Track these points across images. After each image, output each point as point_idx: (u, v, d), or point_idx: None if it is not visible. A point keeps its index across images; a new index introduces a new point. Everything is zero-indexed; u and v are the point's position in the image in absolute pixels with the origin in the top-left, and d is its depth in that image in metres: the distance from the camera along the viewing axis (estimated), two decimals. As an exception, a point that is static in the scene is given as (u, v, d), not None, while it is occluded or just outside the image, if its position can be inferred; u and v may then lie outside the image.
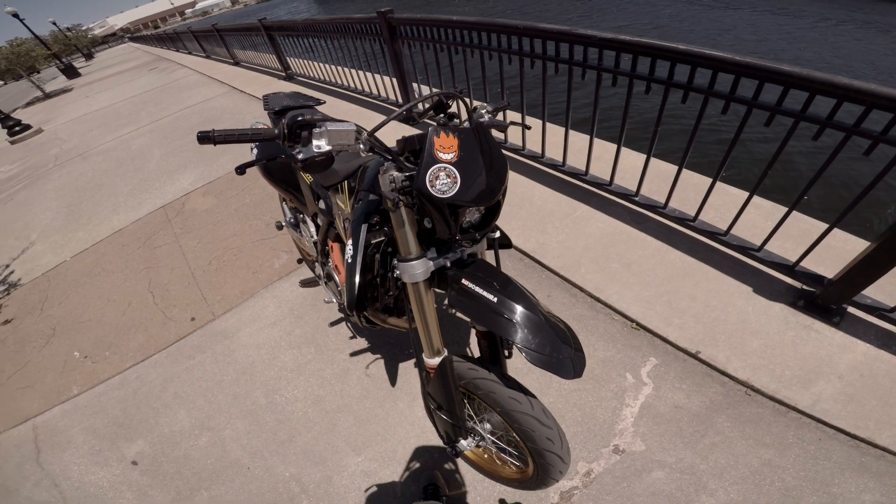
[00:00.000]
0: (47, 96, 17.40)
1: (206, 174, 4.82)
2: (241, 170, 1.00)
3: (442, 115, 1.32)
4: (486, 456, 1.69)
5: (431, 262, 1.21)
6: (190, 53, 13.71)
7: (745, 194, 2.10)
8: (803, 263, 2.01)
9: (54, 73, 29.76)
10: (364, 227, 1.35)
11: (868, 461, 1.60)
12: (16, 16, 21.59)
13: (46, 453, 2.36)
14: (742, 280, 2.16)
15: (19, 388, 2.82)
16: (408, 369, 2.25)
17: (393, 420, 2.08)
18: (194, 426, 2.29)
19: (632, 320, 2.16)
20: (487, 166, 1.06)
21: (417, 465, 1.91)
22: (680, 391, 1.90)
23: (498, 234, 1.42)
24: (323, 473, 1.96)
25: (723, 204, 2.45)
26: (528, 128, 1.61)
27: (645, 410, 1.87)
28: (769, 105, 1.75)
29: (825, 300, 1.94)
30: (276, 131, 1.00)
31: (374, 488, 1.87)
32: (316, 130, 0.98)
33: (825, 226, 1.92)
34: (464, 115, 1.35)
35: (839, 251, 2.07)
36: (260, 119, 2.41)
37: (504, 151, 3.31)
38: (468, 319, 1.25)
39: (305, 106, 2.10)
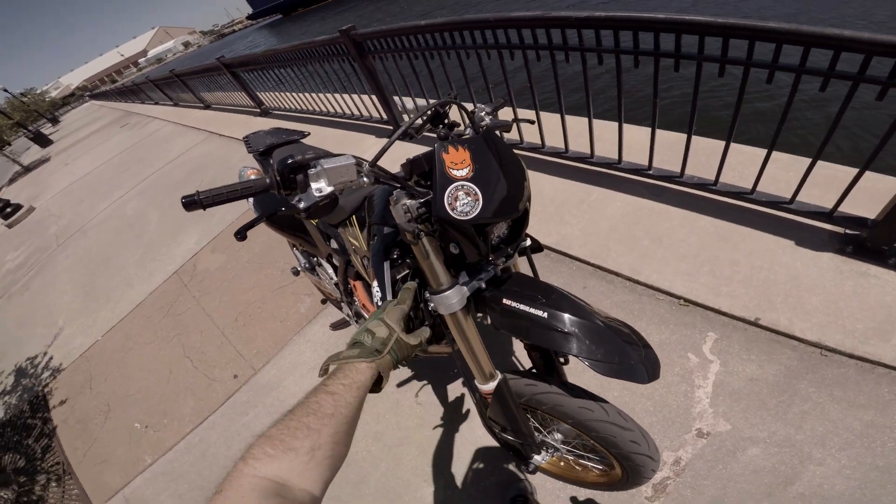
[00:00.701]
0: (27, 169, 17.20)
1: (208, 230, 4.78)
2: (241, 235, 0.87)
3: (442, 126, 1.20)
4: (562, 464, 1.65)
5: (465, 288, 1.12)
6: (157, 104, 13.51)
7: (759, 151, 2.06)
8: (841, 208, 1.94)
9: (26, 144, 29.48)
10: (386, 265, 1.28)
11: None
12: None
13: None
14: (781, 235, 2.10)
15: (97, 463, 2.88)
16: (457, 389, 2.22)
17: (455, 444, 2.05)
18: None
19: (678, 297, 2.11)
20: (506, 174, 0.97)
21: (491, 484, 1.87)
22: (750, 362, 1.83)
23: (529, 242, 1.32)
24: (402, 509, 1.94)
25: (739, 164, 2.37)
26: (532, 122, 1.52)
27: (719, 389, 1.81)
28: (766, 63, 1.70)
29: (874, 242, 1.87)
30: (269, 181, 0.85)
31: None
32: (312, 171, 0.84)
33: (852, 171, 1.84)
34: (465, 122, 1.26)
35: (875, 192, 1.97)
36: (246, 162, 2.37)
37: None
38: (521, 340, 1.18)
39: (290, 141, 2.02)
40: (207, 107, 9.43)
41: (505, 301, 1.09)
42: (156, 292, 4.31)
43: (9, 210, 9.91)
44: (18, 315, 5.48)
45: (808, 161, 1.92)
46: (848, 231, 1.98)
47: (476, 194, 0.92)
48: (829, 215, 1.98)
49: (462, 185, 0.91)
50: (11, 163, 19.17)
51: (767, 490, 1.55)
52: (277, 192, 0.86)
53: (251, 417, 2.63)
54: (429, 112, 1.17)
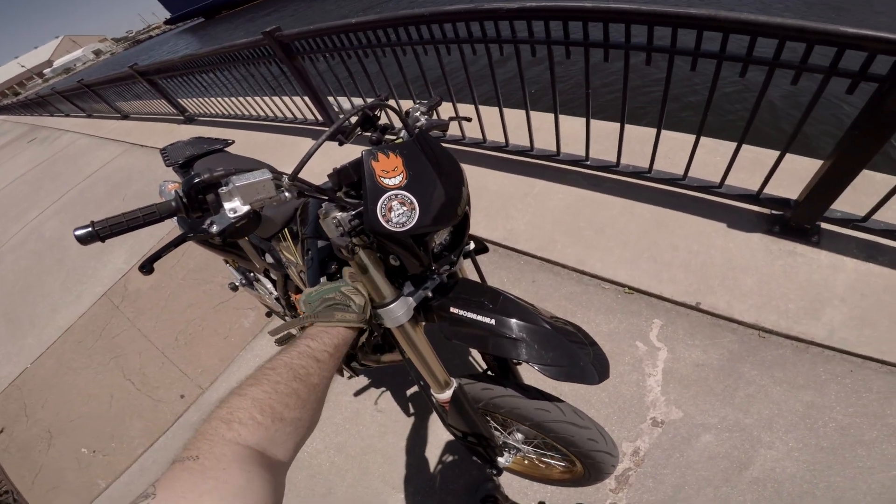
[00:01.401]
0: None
1: (137, 248, 4.48)
2: (146, 268, 0.79)
3: (373, 131, 1.17)
4: (527, 463, 1.66)
5: (411, 299, 1.08)
6: (68, 115, 12.48)
7: (689, 138, 2.15)
8: (766, 190, 2.05)
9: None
10: (323, 280, 1.22)
11: None
12: None
13: None
14: (714, 218, 2.21)
15: (48, 490, 2.68)
16: (417, 395, 2.20)
17: (420, 449, 2.03)
18: (229, 498, 2.18)
19: (622, 285, 2.18)
20: (442, 179, 0.93)
21: (461, 486, 1.87)
22: (695, 348, 1.90)
23: (472, 245, 1.30)
24: (374, 519, 1.90)
25: (670, 150, 2.48)
26: (469, 120, 1.50)
27: (668, 376, 1.86)
28: (689, 50, 1.76)
29: (798, 221, 2.00)
30: (174, 204, 0.75)
31: None
32: (223, 191, 0.74)
33: (774, 154, 1.96)
34: (398, 124, 1.19)
35: (797, 173, 2.10)
36: (168, 175, 2.24)
37: (445, 145, 3.22)
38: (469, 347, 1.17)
39: (212, 151, 1.91)
40: (125, 116, 8.82)
41: (453, 309, 1.08)
42: (85, 316, 4.00)
43: None
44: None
45: (734, 145, 2.01)
46: (773, 212, 2.11)
47: (411, 203, 0.87)
48: (755, 197, 2.10)
49: (396, 195, 0.86)
50: None
51: (724, 476, 1.61)
52: (186, 216, 0.77)
53: (206, 436, 2.49)
54: (356, 116, 1.09)
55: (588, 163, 2.57)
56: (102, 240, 0.72)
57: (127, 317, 3.68)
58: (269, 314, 2.81)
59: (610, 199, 2.49)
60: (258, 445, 0.55)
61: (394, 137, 1.16)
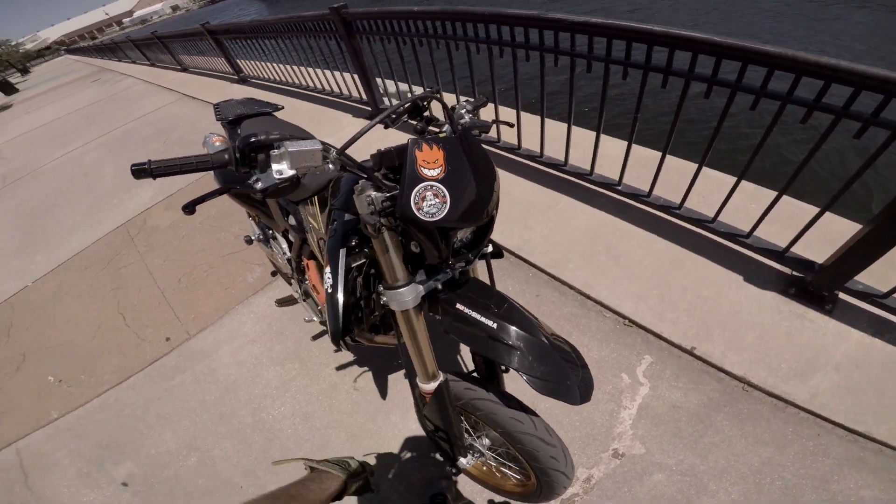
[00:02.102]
0: (-15, 114, 16.45)
1: (166, 187, 4.58)
2: (189, 209, 0.84)
3: (419, 120, 1.21)
4: (485, 469, 1.64)
5: (421, 287, 1.11)
6: (133, 63, 13.09)
7: (732, 179, 2.07)
8: (795, 249, 1.98)
9: (-11, 91, 28.25)
10: (342, 252, 1.23)
11: (867, 456, 1.59)
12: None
13: (34, 477, 2.27)
14: (732, 268, 2.14)
15: None
16: (397, 380, 2.17)
17: (386, 434, 2.01)
18: (182, 447, 2.20)
19: (624, 317, 2.12)
20: (477, 179, 0.95)
21: (417, 479, 1.84)
22: (677, 390, 1.87)
23: (490, 249, 1.33)
24: (318, 490, 1.88)
25: (708, 189, 2.41)
26: (511, 125, 1.52)
27: (643, 412, 1.84)
28: (753, 88, 1.68)
29: (816, 287, 1.92)
30: (227, 157, 0.82)
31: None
32: (275, 153, 0.80)
33: (815, 209, 1.88)
34: (442, 117, 1.24)
35: (830, 235, 2.00)
36: (214, 128, 2.28)
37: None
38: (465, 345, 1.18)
39: (261, 113, 1.95)
40: (185, 69, 9.17)
41: (458, 306, 1.09)
42: (99, 242, 4.10)
43: (-42, 150, 9.40)
44: (-58, 253, 5.12)
45: (773, 194, 1.94)
46: (794, 273, 2.03)
47: (444, 196, 0.89)
48: (780, 255, 2.02)
49: (431, 186, 0.89)
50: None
51: None
52: (235, 170, 0.83)
53: (176, 383, 2.51)
54: (407, 104, 1.13)
55: (619, 188, 2.52)
56: (154, 177, 0.77)
57: (138, 250, 3.76)
58: (274, 274, 2.83)
59: (632, 230, 2.43)
60: None
61: (437, 130, 1.18)
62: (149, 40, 9.63)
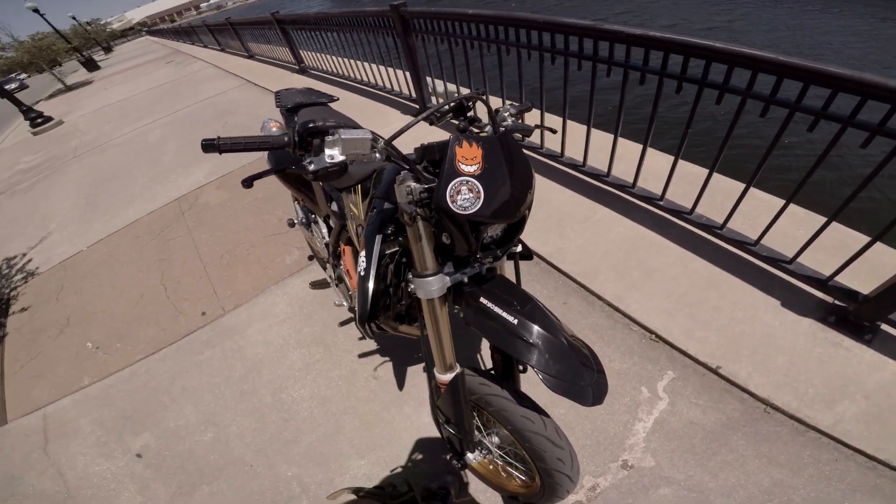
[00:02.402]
0: (68, 89, 17.66)
1: (220, 167, 4.81)
2: (248, 183, 0.93)
3: (462, 119, 1.25)
4: (491, 468, 1.65)
5: (448, 278, 1.16)
6: (205, 47, 13.76)
7: (780, 202, 1.99)
8: (838, 278, 1.89)
9: (75, 67, 30.29)
10: (378, 239, 1.29)
11: (883, 483, 1.52)
12: (36, 11, 21.78)
13: (54, 443, 2.38)
14: (770, 293, 2.05)
15: (32, 377, 2.85)
16: (416, 373, 2.19)
17: (398, 425, 2.03)
18: (200, 422, 2.28)
19: (651, 331, 2.08)
20: (513, 179, 0.98)
21: (421, 474, 1.86)
22: (696, 407, 1.82)
23: (519, 248, 1.35)
24: (325, 475, 1.94)
25: (754, 211, 2.32)
26: (554, 131, 1.53)
27: (658, 426, 1.80)
28: (814, 109, 1.62)
29: (858, 317, 1.83)
30: (286, 139, 0.91)
31: None
32: (329, 139, 0.89)
33: (865, 238, 1.80)
34: (485, 118, 1.27)
35: (878, 266, 1.92)
36: (272, 115, 2.37)
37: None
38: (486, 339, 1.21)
39: (318, 103, 2.05)
40: (251, 56, 9.57)
41: (482, 300, 1.12)
42: (153, 214, 4.35)
43: (39, 120, 10.25)
44: (13, 213, 5.59)
45: (822, 220, 1.85)
46: (837, 302, 1.93)
47: (479, 192, 0.93)
48: (823, 283, 1.93)
49: (467, 181, 0.93)
50: (56, 81, 19.71)
51: None
52: (292, 151, 0.93)
53: (205, 357, 2.62)
54: (452, 103, 1.19)
55: (661, 202, 2.47)
56: (221, 152, 0.87)
57: (187, 224, 3.96)
58: (311, 258, 2.92)
59: (670, 246, 2.37)
60: None
61: (478, 130, 1.23)
62: (222, 26, 10.08)
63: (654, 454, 1.72)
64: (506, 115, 1.25)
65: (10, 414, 2.61)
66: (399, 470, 1.84)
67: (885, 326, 1.83)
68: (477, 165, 0.94)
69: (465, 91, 1.23)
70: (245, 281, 3.08)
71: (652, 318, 2.10)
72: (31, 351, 3.07)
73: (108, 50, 39.03)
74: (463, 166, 0.93)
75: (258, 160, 4.53)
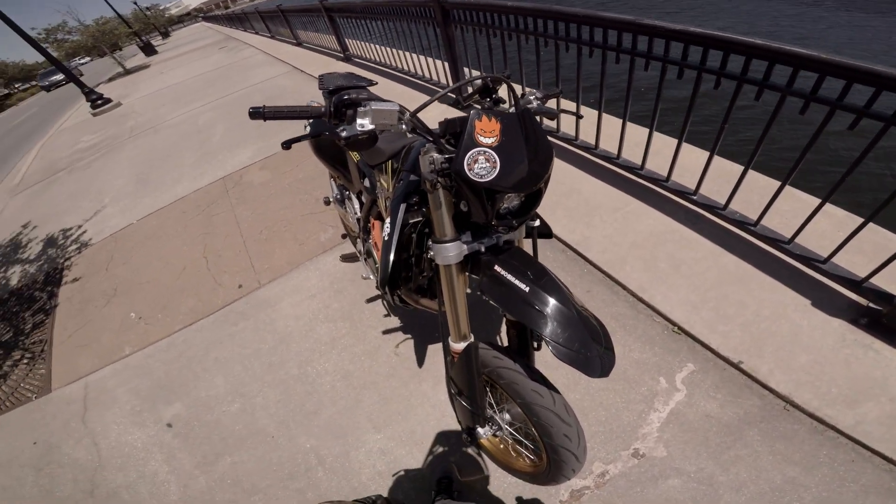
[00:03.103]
0: (127, 72, 18.45)
1: (265, 150, 4.99)
2: (287, 144, 1.02)
3: (488, 100, 1.30)
4: (501, 446, 1.67)
5: (465, 246, 1.20)
6: (257, 33, 14.15)
7: (816, 201, 1.94)
8: (873, 280, 1.82)
9: (134, 51, 31.63)
10: (402, 207, 1.35)
11: None
12: (101, -4, 22.77)
13: (92, 412, 2.52)
14: (800, 292, 2.00)
15: (78, 346, 3.03)
16: (436, 352, 2.25)
17: (415, 401, 2.09)
18: (229, 392, 2.38)
19: (674, 323, 2.06)
20: (530, 153, 1.02)
21: (433, 449, 1.92)
22: (714, 400, 1.81)
23: (537, 223, 1.38)
24: (342, 448, 2.01)
25: (790, 210, 2.25)
26: (581, 116, 1.56)
27: (673, 417, 1.80)
28: (856, 106, 1.58)
29: (892, 320, 1.77)
30: (323, 109, 1.03)
31: (388, 469, 1.90)
32: (360, 109, 0.98)
33: (899, 240, 1.74)
34: (511, 101, 1.32)
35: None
36: (316, 98, 2.47)
37: (555, 140, 3.31)
38: (497, 307, 1.24)
39: (357, 86, 2.13)
40: (299, 44, 9.78)
41: (496, 268, 1.16)
42: (200, 191, 4.56)
43: (99, 102, 10.75)
44: (72, 188, 5.94)
45: (860, 221, 1.80)
46: (871, 304, 1.86)
47: (495, 162, 0.99)
48: (857, 284, 1.87)
49: (484, 151, 0.98)
50: (116, 65, 20.62)
51: None
52: (328, 120, 1.05)
53: (238, 329, 2.74)
54: (479, 83, 1.26)
55: (694, 197, 2.43)
56: (265, 118, 0.98)
57: (231, 201, 4.13)
58: (344, 236, 3.01)
59: (700, 240, 2.34)
60: None
61: (502, 109, 1.28)
62: (273, 13, 10.34)
63: (666, 445, 1.72)
64: (531, 98, 1.28)
65: (56, 383, 2.78)
66: (402, 473, 1.88)
67: (921, 333, 1.75)
68: (495, 138, 0.99)
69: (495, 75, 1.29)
70: (281, 256, 3.21)
71: (676, 311, 2.08)
72: (79, 320, 3.26)
73: (165, 35, 40.47)
74: (481, 138, 0.99)
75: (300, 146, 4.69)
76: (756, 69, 1.84)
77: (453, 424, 1.96)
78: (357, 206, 2.24)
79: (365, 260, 2.24)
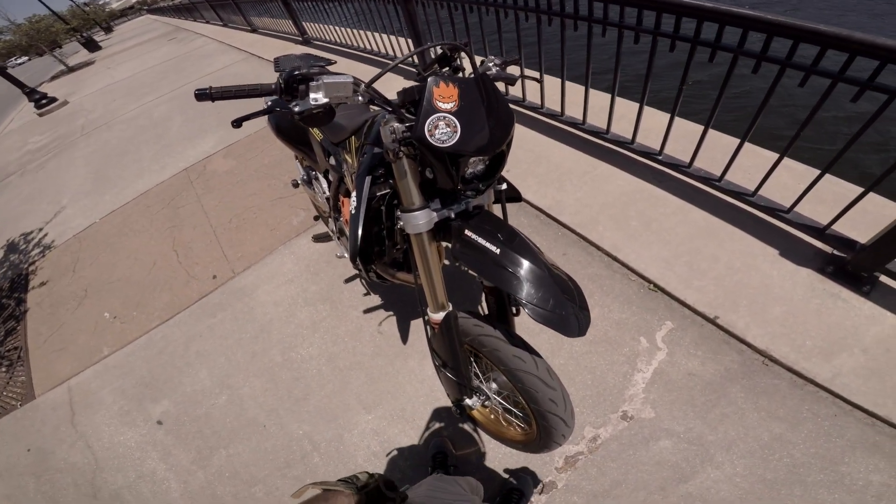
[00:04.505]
0: (71, 70, 17.53)
1: (227, 138, 4.84)
2: (237, 123, 0.97)
3: (447, 69, 1.30)
4: (492, 416, 1.68)
5: (435, 213, 1.19)
6: (208, 23, 13.60)
7: (775, 155, 2.00)
8: (835, 227, 1.91)
9: (76, 48, 30.21)
10: (368, 180, 1.34)
11: (882, 441, 1.54)
12: (32, -7, 21.57)
13: (80, 415, 2.46)
14: (768, 242, 2.07)
15: (55, 350, 2.92)
16: (419, 327, 2.25)
17: (403, 378, 2.10)
18: (215, 385, 2.35)
19: (649, 281, 2.11)
20: (490, 117, 1.04)
21: (426, 425, 1.93)
22: (695, 358, 1.85)
23: (504, 186, 1.39)
24: (334, 432, 2.01)
25: (753, 166, 2.32)
26: (538, 80, 1.56)
27: (657, 377, 1.84)
28: (804, 65, 1.64)
29: (856, 267, 1.85)
30: (274, 86, 0.99)
31: (382, 449, 1.91)
32: (313, 84, 0.96)
33: (859, 189, 1.81)
34: (470, 69, 1.31)
35: (875, 216, 1.93)
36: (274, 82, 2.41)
37: (521, 109, 3.32)
38: (472, 273, 1.25)
39: (316, 66, 2.08)
40: (254, 30, 9.47)
41: (467, 232, 1.15)
42: (163, 184, 4.40)
43: (43, 102, 10.20)
44: (27, 191, 5.67)
45: (817, 172, 1.88)
46: (835, 252, 1.95)
47: (455, 126, 0.99)
48: (820, 232, 1.95)
49: (444, 117, 0.98)
50: (58, 63, 19.68)
51: (661, 484, 1.60)
52: (280, 96, 0.99)
53: (217, 320, 2.69)
54: (436, 52, 1.27)
55: (660, 157, 2.49)
56: (213, 100, 0.95)
57: (196, 192, 4.01)
58: (316, 218, 2.98)
59: (669, 198, 2.39)
60: None
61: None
62: (224, 1, 9.97)
63: (653, 405, 1.77)
64: (490, 65, 1.30)
65: (38, 389, 2.69)
66: (395, 452, 1.89)
67: (883, 278, 1.84)
68: (454, 103, 0.99)
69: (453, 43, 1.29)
70: (253, 242, 3.15)
71: (650, 268, 2.13)
72: (53, 324, 3.15)
73: (108, 30, 38.62)
74: (440, 103, 0.98)
75: (262, 130, 4.58)
76: (710, 32, 1.87)
77: (443, 399, 1.98)
78: (325, 185, 2.21)
79: (338, 239, 2.22)
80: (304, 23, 6.85)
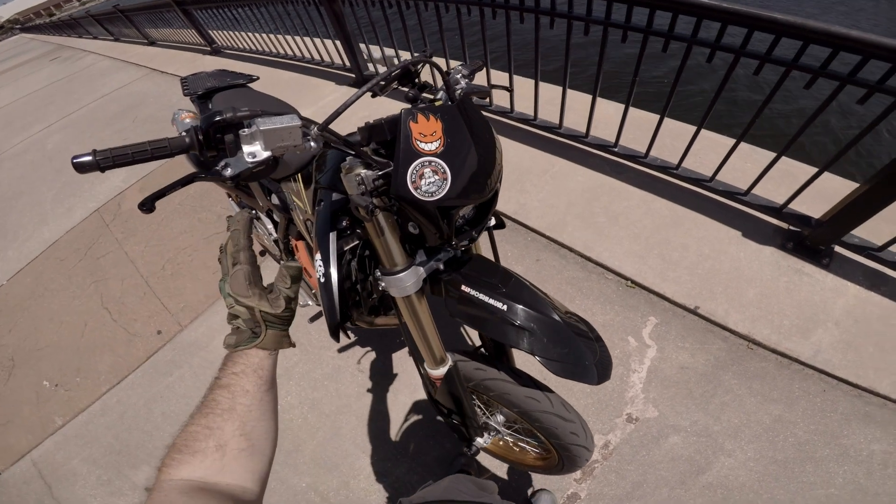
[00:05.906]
0: (-69, 102, 15.58)
1: (139, 169, 4.34)
2: (146, 207, 0.71)
3: (411, 87, 1.06)
4: (501, 444, 1.63)
5: (422, 269, 1.03)
6: (95, 38, 12.41)
7: (730, 141, 2.06)
8: (791, 206, 2.00)
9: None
10: (332, 236, 1.11)
11: (872, 410, 1.63)
12: None
13: (58, 488, 2.19)
14: (731, 225, 2.15)
15: (0, 424, 2.56)
16: (401, 358, 2.14)
17: (396, 415, 1.99)
18: (194, 446, 2.11)
19: (626, 278, 2.12)
20: (479, 150, 0.86)
21: (434, 458, 1.84)
22: (684, 350, 1.89)
23: (493, 221, 1.24)
24: (339, 479, 1.88)
25: (707, 151, 2.38)
26: (510, 90, 1.44)
27: (652, 374, 1.85)
28: (758, 53, 1.67)
29: (813, 241, 1.96)
30: (188, 140, 0.66)
31: (396, 491, 1.81)
32: (244, 132, 0.66)
33: (809, 169, 1.93)
34: (437, 84, 1.11)
35: (828, 193, 2.00)
36: (184, 105, 2.08)
37: None
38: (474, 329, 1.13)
39: (234, 85, 1.82)
40: (152, 43, 8.72)
41: (464, 288, 1.02)
42: (73, 231, 3.88)
43: None
44: None
45: (771, 155, 1.95)
46: (792, 227, 2.06)
47: (444, 173, 0.80)
48: (778, 210, 2.04)
49: (430, 162, 0.80)
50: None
51: (681, 478, 1.62)
52: (200, 154, 0.69)
53: (175, 378, 2.44)
54: (397, 71, 0.99)
55: (616, 149, 2.49)
56: (102, 170, 0.64)
57: (116, 237, 3.59)
58: (262, 253, 2.73)
59: (630, 190, 2.41)
60: (193, 478, 0.59)
61: (432, 97, 1.06)
62: (111, 14, 9.12)
63: (655, 404, 1.78)
64: (458, 76, 1.07)
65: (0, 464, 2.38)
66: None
67: (839, 249, 1.96)
68: (438, 142, 0.80)
69: (405, 55, 1.06)
70: (195, 290, 2.87)
71: (625, 265, 2.14)
72: None
73: (-27, 53, 34.85)
74: (422, 145, 0.79)
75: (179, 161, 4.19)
76: (662, 23, 1.85)
77: (444, 430, 1.89)
78: (270, 226, 1.93)
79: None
80: (211, 31, 6.36)
